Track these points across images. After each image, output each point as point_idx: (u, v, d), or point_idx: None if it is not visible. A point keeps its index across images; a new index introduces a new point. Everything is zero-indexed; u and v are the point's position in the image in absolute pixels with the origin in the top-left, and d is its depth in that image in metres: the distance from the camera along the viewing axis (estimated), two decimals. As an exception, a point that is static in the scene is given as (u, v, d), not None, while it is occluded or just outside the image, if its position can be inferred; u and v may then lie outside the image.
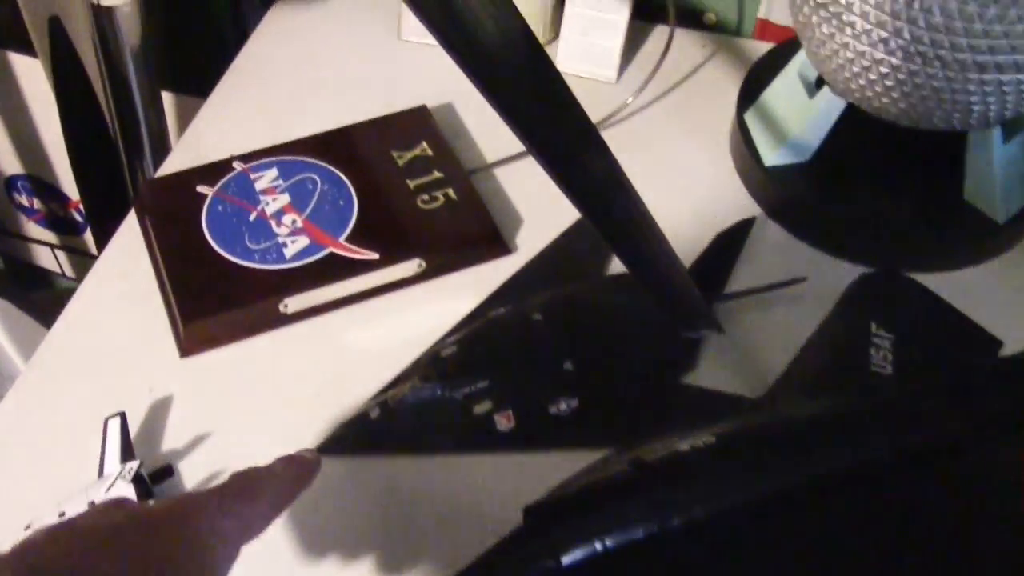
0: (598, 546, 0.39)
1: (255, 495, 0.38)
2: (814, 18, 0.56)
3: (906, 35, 0.52)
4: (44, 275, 1.33)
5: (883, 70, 0.54)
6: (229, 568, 0.36)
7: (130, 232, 0.65)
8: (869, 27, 0.53)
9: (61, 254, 1.28)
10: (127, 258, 0.64)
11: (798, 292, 0.59)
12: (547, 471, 0.53)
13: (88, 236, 1.23)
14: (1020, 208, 0.62)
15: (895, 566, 0.41)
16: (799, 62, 0.64)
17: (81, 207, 1.19)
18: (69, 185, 1.17)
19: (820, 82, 0.63)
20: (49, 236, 1.27)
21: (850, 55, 0.55)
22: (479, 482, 0.53)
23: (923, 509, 0.42)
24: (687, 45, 0.77)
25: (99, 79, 0.80)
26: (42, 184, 1.19)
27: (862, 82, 0.56)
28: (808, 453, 0.42)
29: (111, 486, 0.50)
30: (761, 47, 0.76)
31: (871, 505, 0.42)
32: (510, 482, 0.53)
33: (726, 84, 0.74)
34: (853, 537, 0.41)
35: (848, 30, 0.54)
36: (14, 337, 0.94)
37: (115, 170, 0.86)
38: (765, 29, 0.77)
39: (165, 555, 0.34)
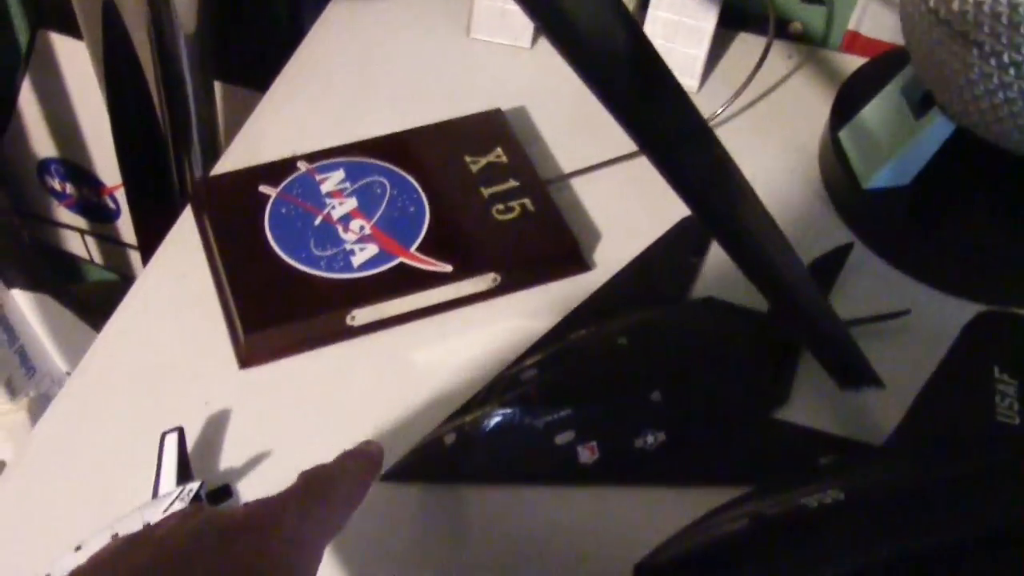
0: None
1: (331, 496, 0.37)
2: (934, 36, 0.52)
3: (1042, 58, 0.48)
4: (72, 261, 1.29)
5: (1011, 95, 0.50)
6: (315, 572, 0.35)
7: (185, 230, 0.62)
8: (1000, 49, 0.49)
9: (91, 240, 1.25)
10: (182, 258, 0.60)
11: (899, 327, 0.56)
12: (630, 508, 0.50)
13: (121, 223, 1.19)
14: None
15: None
16: (904, 79, 0.61)
17: (115, 194, 1.15)
18: (104, 171, 1.14)
19: (926, 101, 0.59)
20: (79, 222, 1.23)
21: (974, 77, 0.51)
22: (559, 516, 0.50)
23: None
24: (772, 55, 0.73)
25: (151, 67, 0.77)
26: (76, 168, 1.16)
27: (983, 106, 0.52)
28: (943, 516, 0.39)
29: (168, 508, 0.47)
30: (850, 60, 0.72)
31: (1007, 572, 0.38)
32: (590, 518, 0.50)
33: (815, 99, 0.70)
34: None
35: (975, 51, 0.50)
36: (55, 334, 0.90)
37: (161, 160, 0.83)
38: (854, 42, 0.73)
39: (248, 565, 0.32)
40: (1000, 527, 0.39)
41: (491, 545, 0.49)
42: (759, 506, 0.38)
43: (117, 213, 1.19)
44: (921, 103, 0.60)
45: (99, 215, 1.21)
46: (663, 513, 0.50)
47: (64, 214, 1.24)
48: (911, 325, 0.56)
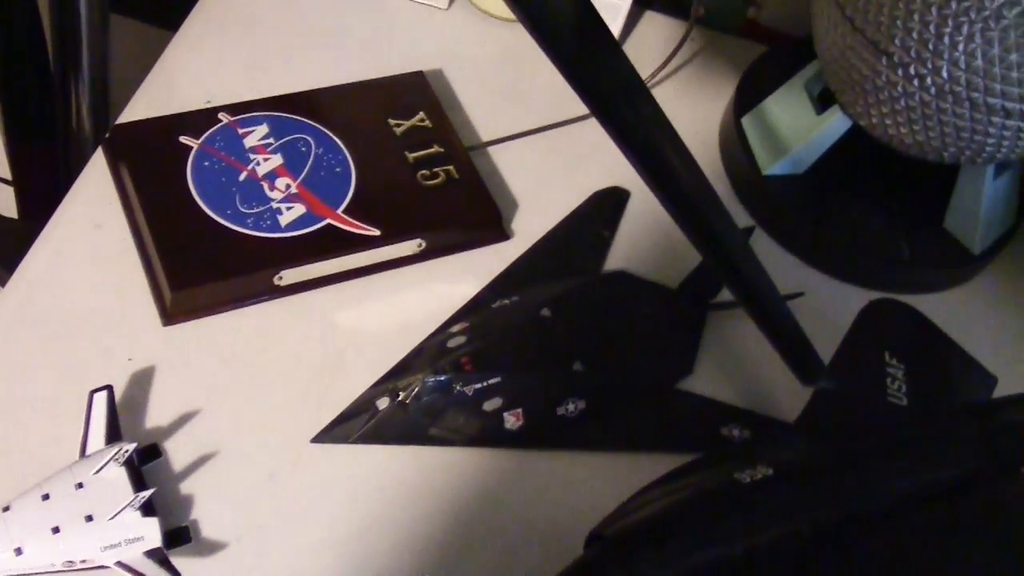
0: (671, 572, 0.39)
1: None
2: (847, 41, 0.57)
3: (944, 74, 0.53)
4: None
5: (911, 103, 0.55)
6: None
7: (96, 177, 0.60)
8: (909, 61, 0.54)
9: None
10: (95, 208, 0.58)
11: (793, 308, 0.61)
12: (551, 471, 0.53)
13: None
14: (993, 240, 0.65)
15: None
16: (808, 74, 0.65)
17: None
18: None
19: (826, 97, 0.63)
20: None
21: (880, 84, 0.56)
22: (484, 478, 0.53)
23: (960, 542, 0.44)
24: (676, 36, 0.75)
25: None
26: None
27: (884, 110, 0.57)
28: (851, 488, 0.43)
29: (101, 468, 0.47)
30: (750, 47, 0.75)
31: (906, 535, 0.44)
32: (514, 480, 0.53)
33: (716, 83, 0.74)
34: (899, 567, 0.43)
35: (884, 60, 0.55)
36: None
37: (44, 89, 0.79)
38: (753, 29, 0.77)
39: None
40: (897, 496, 0.44)
41: (419, 503, 0.51)
42: (696, 480, 0.42)
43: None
44: (821, 98, 0.64)
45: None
46: (580, 476, 0.54)
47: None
48: (805, 307, 0.61)
